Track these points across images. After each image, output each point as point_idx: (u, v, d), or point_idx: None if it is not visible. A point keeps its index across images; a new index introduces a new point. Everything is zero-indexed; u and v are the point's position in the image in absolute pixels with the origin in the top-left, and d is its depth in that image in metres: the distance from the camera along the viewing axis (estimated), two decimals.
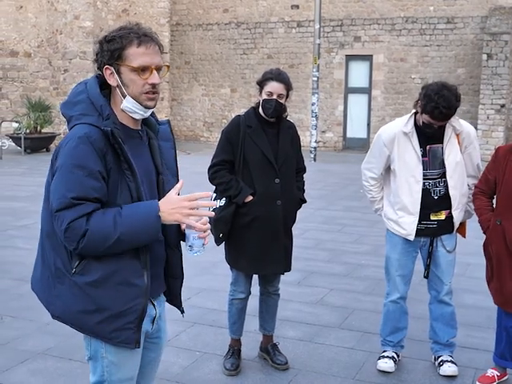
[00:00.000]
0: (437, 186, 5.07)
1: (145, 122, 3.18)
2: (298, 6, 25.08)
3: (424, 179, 5.05)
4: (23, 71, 22.79)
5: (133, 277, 2.99)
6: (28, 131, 21.23)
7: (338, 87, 24.83)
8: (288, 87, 5.05)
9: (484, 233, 5.03)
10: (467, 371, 5.32)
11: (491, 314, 5.43)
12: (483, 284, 5.17)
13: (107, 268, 2.94)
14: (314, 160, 20.62)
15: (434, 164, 5.05)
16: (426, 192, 5.06)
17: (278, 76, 5.02)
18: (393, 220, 5.22)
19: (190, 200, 2.95)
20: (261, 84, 5.07)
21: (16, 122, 21.29)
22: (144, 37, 2.97)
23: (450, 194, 5.06)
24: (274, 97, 4.98)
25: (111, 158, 2.91)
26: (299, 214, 5.39)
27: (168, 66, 3.19)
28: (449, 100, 4.78)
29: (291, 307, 6.75)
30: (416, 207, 5.06)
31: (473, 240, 8.67)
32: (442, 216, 5.10)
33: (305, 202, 5.39)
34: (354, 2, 24.28)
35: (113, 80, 3.00)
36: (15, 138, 21.16)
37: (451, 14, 22.92)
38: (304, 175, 5.44)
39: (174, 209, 2.93)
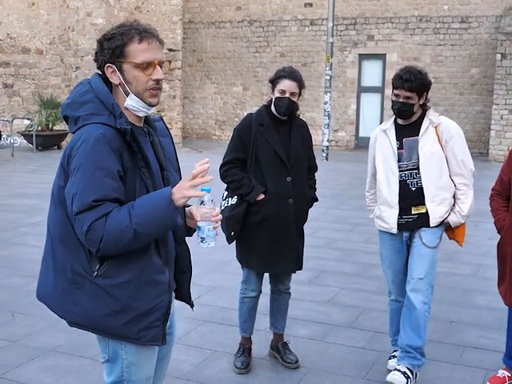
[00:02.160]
0: (413, 178, 5.04)
1: (144, 118, 3.17)
2: (311, 4, 25.04)
3: (400, 171, 5.07)
4: (35, 68, 22.81)
5: (157, 274, 3.00)
6: (39, 128, 21.27)
7: (350, 86, 24.79)
8: (301, 85, 5.04)
9: (498, 232, 5.01)
10: (478, 372, 5.30)
11: (503, 315, 5.41)
12: (495, 285, 5.14)
13: (133, 268, 2.93)
14: (326, 159, 20.59)
15: (409, 155, 5.05)
16: (403, 184, 5.07)
17: (291, 74, 5.00)
18: (378, 216, 5.28)
19: (192, 176, 2.91)
20: (273, 82, 5.05)
21: (28, 119, 21.34)
22: (145, 32, 2.95)
23: (423, 185, 5.02)
24: (287, 95, 4.96)
25: (127, 156, 2.91)
26: (311, 212, 5.38)
27: (170, 62, 3.18)
28: (410, 71, 4.97)
29: (302, 306, 6.74)
30: (394, 199, 5.07)
31: (485, 241, 8.67)
32: (423, 210, 5.06)
33: (316, 200, 5.37)
34: (367, 1, 24.21)
35: (115, 78, 2.98)
36: (27, 136, 21.20)
37: (465, 13, 22.83)
38: (316, 174, 5.43)
39: (179, 187, 2.89)
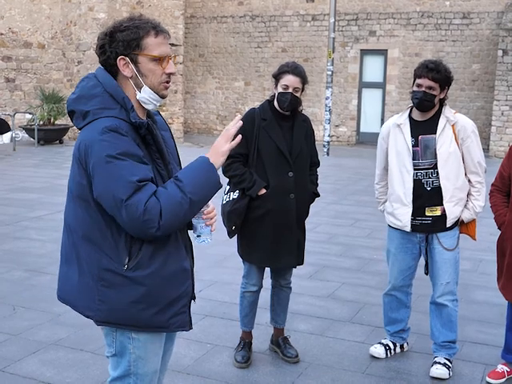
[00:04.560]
0: (429, 177, 5.02)
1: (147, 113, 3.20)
2: (313, 0, 25.02)
3: (415, 169, 5.03)
4: (37, 63, 22.80)
5: (182, 261, 3.06)
6: (41, 123, 21.23)
7: (352, 81, 24.79)
8: (304, 81, 5.04)
9: (499, 228, 5.02)
10: (477, 367, 5.32)
11: (502, 310, 5.43)
12: (495, 280, 5.15)
13: (161, 257, 2.96)
14: (327, 154, 20.59)
15: (425, 154, 5.01)
16: (417, 183, 5.04)
17: (295, 69, 5.00)
18: (389, 212, 5.25)
19: (225, 134, 3.07)
20: (277, 77, 5.06)
21: (29, 113, 21.32)
22: (159, 27, 2.99)
23: (441, 185, 4.99)
24: (290, 90, 4.97)
25: (141, 148, 2.94)
26: (312, 208, 5.38)
27: (175, 56, 3.23)
28: (436, 62, 4.98)
29: (303, 301, 6.76)
30: (408, 198, 5.05)
31: (486, 236, 8.67)
32: (438, 212, 5.04)
33: (318, 195, 5.38)
34: None
35: (128, 71, 2.99)
36: (29, 130, 21.18)
37: (467, 9, 22.81)
38: (317, 169, 5.43)
39: (215, 149, 3.05)
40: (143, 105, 3.05)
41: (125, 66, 2.98)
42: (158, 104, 3.11)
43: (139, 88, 3.01)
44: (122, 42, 2.94)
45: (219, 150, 3.02)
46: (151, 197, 2.80)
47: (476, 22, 22.75)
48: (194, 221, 3.14)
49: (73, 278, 3.07)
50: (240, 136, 3.12)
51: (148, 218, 2.78)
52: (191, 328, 3.19)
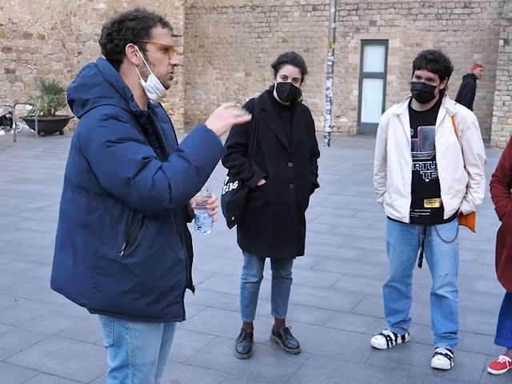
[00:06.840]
0: (428, 169, 4.99)
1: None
2: None
3: (414, 160, 5.00)
4: (37, 53, 22.76)
5: (177, 251, 3.06)
6: (42, 114, 21.22)
7: (353, 72, 24.73)
8: (303, 71, 5.03)
9: (500, 219, 5.01)
10: (478, 357, 5.32)
11: None
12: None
13: (156, 245, 2.96)
14: (328, 145, 20.55)
15: (424, 145, 4.99)
16: (416, 174, 5.01)
17: (294, 60, 5.00)
18: (388, 203, 5.23)
19: (226, 107, 3.08)
20: (276, 67, 5.05)
21: (30, 104, 21.31)
22: (164, 20, 3.08)
23: (439, 177, 4.96)
24: (289, 80, 4.96)
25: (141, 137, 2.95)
26: (313, 198, 5.38)
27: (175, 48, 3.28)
28: (435, 53, 4.94)
29: (304, 291, 6.76)
30: (407, 189, 5.02)
31: (486, 227, 8.66)
32: (436, 204, 5.02)
33: (317, 186, 5.37)
34: None
35: (135, 58, 3.01)
36: (29, 121, 21.18)
37: None
38: (318, 160, 5.42)
39: (220, 116, 3.05)
40: (147, 93, 3.07)
41: (133, 54, 3.01)
42: (161, 94, 3.13)
43: (145, 77, 3.03)
44: (131, 29, 2.98)
45: (221, 118, 3.04)
46: (157, 171, 2.80)
47: (477, 11, 22.68)
48: (196, 211, 3.14)
49: (67, 265, 3.07)
50: (249, 116, 3.12)
51: (157, 192, 2.78)
52: (184, 319, 3.21)
